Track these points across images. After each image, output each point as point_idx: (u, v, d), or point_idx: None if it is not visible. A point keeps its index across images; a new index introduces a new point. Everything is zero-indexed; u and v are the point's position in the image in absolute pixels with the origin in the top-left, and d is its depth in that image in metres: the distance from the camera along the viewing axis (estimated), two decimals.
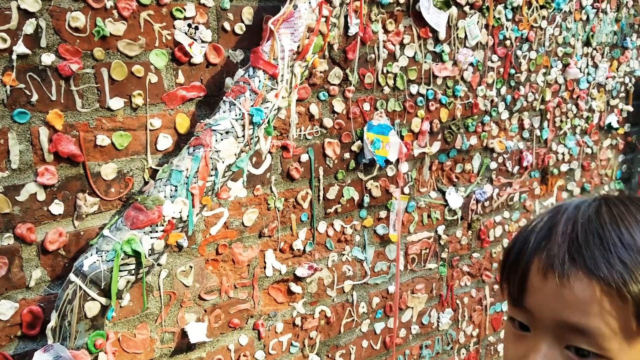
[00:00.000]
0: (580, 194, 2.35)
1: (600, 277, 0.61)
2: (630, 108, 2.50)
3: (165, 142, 1.24)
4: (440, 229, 1.84)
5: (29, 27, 1.05)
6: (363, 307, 1.69)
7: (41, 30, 1.07)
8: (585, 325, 0.61)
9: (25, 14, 1.05)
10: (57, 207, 1.12)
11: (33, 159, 1.09)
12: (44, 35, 1.07)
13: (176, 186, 1.14)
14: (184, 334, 1.33)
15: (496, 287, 2.07)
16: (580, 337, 0.62)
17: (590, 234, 0.64)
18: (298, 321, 1.55)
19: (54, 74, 1.09)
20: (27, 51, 1.05)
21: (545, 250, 0.65)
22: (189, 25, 1.23)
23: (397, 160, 1.68)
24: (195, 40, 1.24)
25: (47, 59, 1.07)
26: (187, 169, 1.15)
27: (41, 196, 1.11)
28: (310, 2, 1.22)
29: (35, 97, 1.08)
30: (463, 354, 2.00)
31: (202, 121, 1.21)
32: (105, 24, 1.13)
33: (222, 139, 1.18)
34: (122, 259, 1.08)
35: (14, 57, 1.04)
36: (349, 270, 1.64)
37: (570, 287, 0.62)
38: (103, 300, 1.08)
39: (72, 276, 1.07)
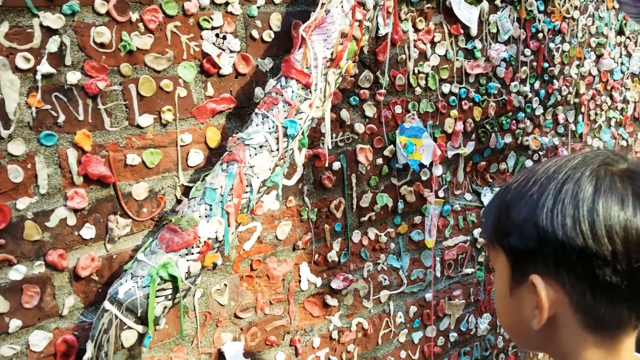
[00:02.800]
0: None
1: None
2: None
3: (197, 157, 1.19)
4: (477, 232, 1.78)
5: (52, 45, 1.00)
6: (400, 317, 1.63)
7: (65, 47, 1.02)
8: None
9: (48, 31, 1.00)
10: (88, 231, 1.08)
11: (62, 183, 1.05)
12: (68, 52, 1.02)
13: (211, 205, 1.09)
14: (220, 354, 1.29)
15: None
16: None
17: None
18: (335, 335, 1.50)
19: (80, 92, 1.04)
20: (52, 70, 1.00)
21: None
22: (217, 35, 1.17)
23: (431, 163, 1.62)
24: (224, 50, 1.19)
25: (73, 77, 1.02)
26: (221, 187, 1.10)
27: (72, 221, 1.06)
28: (343, 6, 1.16)
29: (62, 118, 1.03)
30: (502, 358, 1.94)
31: (234, 135, 1.15)
32: (131, 37, 1.07)
33: (256, 154, 1.12)
34: (158, 284, 1.04)
35: (38, 77, 0.99)
36: (385, 279, 1.59)
37: None
38: (140, 328, 1.03)
39: (107, 304, 1.02)
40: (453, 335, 1.76)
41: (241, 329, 1.32)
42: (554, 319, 0.70)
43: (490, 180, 1.80)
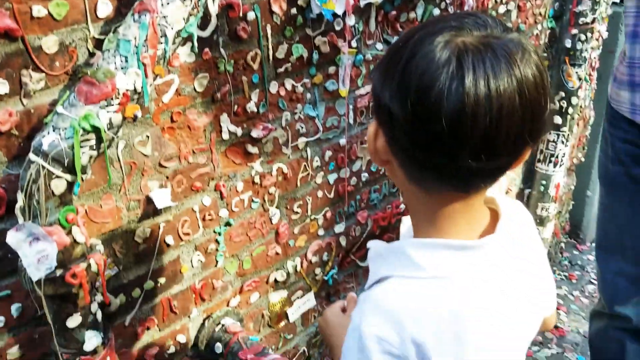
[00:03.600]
0: None
1: None
2: None
3: (105, 8, 1.16)
4: None
5: None
6: (317, 161, 1.76)
7: None
8: None
9: None
10: (1, 87, 1.07)
11: None
12: None
13: (126, 57, 1.10)
14: (149, 200, 1.37)
15: None
16: None
17: None
18: (257, 179, 1.61)
19: None
20: None
21: None
22: None
23: (344, 13, 1.65)
24: None
25: None
26: (135, 38, 1.10)
27: None
28: None
29: None
30: None
31: None
32: None
33: (168, 3, 1.12)
34: (81, 135, 1.07)
35: None
36: (302, 127, 1.68)
37: None
38: (68, 177, 1.08)
39: (32, 156, 1.06)
40: (364, 175, 1.94)
41: (167, 177, 1.40)
42: (391, 163, 0.76)
43: (401, 29, 1.87)
